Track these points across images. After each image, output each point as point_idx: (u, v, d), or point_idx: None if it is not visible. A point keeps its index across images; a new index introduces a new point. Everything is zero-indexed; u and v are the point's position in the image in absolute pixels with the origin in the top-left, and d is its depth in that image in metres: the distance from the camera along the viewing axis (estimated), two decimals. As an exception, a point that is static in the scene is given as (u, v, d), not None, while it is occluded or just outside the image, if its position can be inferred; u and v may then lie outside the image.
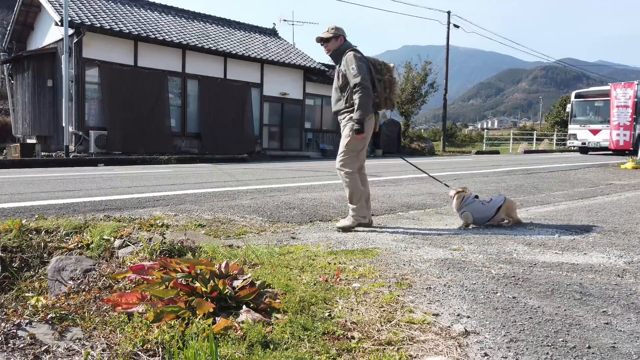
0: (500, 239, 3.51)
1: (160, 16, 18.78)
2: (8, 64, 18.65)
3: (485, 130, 49.39)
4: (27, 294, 3.03)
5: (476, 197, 4.10)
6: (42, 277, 3.21)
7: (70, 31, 14.21)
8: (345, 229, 3.85)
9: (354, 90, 3.78)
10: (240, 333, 1.68)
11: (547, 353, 1.63)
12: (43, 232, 3.57)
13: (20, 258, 3.36)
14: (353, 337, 1.72)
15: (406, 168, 11.81)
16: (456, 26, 28.79)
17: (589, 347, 1.67)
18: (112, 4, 17.58)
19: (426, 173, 5.00)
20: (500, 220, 4.09)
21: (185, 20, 19.60)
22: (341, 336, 1.73)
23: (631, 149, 18.41)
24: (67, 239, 3.49)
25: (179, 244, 2.95)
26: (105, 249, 3.26)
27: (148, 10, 18.76)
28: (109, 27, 15.14)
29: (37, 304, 1.99)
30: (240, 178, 8.32)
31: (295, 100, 21.14)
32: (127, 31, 15.55)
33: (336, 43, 3.95)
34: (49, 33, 16.87)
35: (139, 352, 1.58)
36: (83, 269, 2.95)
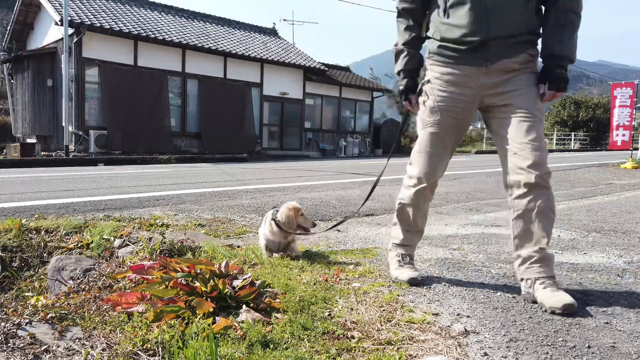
0: (500, 239, 3.51)
1: (160, 16, 18.78)
2: (8, 64, 18.66)
3: (485, 130, 49.36)
4: (27, 294, 3.03)
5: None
6: (42, 276, 3.21)
7: (70, 31, 14.21)
8: None
9: None
10: (240, 333, 1.68)
11: (547, 353, 1.62)
12: (43, 232, 3.57)
13: (20, 258, 3.36)
14: (353, 337, 1.72)
15: (405, 168, 11.80)
16: (456, 26, 28.78)
17: (589, 347, 1.67)
18: (112, 3, 17.57)
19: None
20: None
21: (185, 20, 19.60)
22: (341, 336, 1.73)
23: None
24: (67, 239, 3.49)
25: (179, 244, 2.94)
26: (105, 248, 3.26)
27: (148, 10, 18.76)
28: (108, 26, 15.14)
29: (37, 303, 1.99)
30: (240, 177, 8.32)
31: (295, 99, 21.14)
32: (127, 31, 15.55)
33: None
34: (49, 33, 16.87)
35: (139, 352, 1.58)
36: (83, 268, 2.95)
